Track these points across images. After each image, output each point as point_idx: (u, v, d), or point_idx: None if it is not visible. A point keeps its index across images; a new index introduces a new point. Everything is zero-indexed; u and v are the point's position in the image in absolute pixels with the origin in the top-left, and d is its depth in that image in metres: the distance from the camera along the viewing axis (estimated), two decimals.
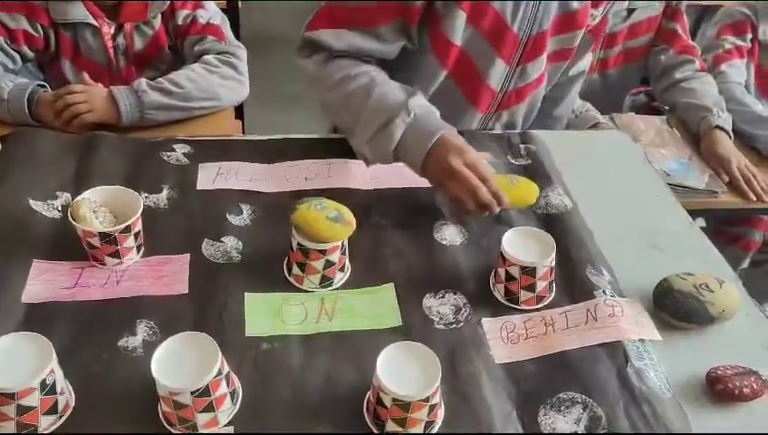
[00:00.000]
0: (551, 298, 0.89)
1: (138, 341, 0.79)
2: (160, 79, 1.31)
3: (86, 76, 1.30)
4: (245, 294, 0.86)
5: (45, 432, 0.69)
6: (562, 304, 0.88)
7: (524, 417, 0.74)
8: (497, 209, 0.92)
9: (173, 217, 0.98)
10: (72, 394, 0.72)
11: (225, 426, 0.71)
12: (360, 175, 1.09)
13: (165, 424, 0.70)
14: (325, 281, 0.88)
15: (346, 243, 0.89)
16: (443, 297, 0.88)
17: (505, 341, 0.83)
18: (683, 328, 0.86)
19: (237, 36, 1.51)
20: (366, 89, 1.00)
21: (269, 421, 0.72)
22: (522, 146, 1.18)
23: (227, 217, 0.98)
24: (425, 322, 0.85)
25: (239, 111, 1.49)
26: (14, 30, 1.31)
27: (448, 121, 0.98)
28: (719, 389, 0.77)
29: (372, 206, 1.02)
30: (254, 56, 1.48)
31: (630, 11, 1.72)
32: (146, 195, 1.00)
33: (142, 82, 1.28)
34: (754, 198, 1.50)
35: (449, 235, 0.99)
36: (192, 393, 0.66)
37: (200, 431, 0.69)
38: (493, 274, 0.91)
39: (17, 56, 1.34)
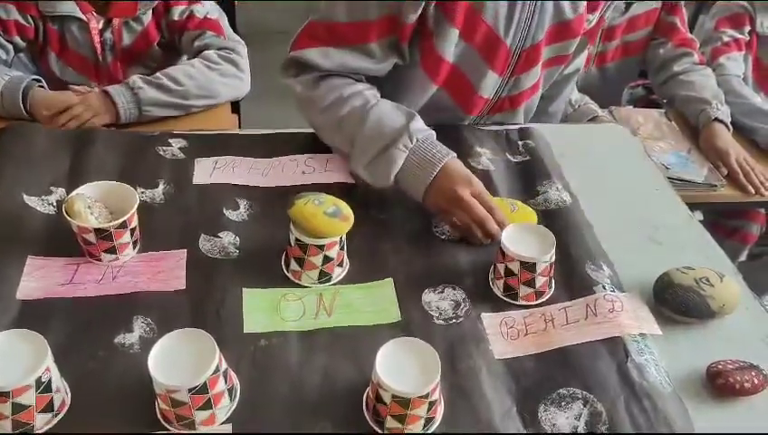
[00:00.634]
0: (550, 294, 0.89)
1: (134, 337, 0.78)
2: (158, 74, 1.29)
3: (77, 88, 1.28)
4: (243, 289, 0.85)
5: (41, 431, 0.68)
6: (562, 300, 0.88)
7: (525, 413, 0.74)
8: (498, 238, 0.90)
9: (169, 213, 0.97)
10: (68, 392, 0.71)
11: (222, 423, 0.70)
12: None
13: (162, 422, 0.70)
14: (323, 277, 0.87)
15: (344, 238, 0.88)
16: (442, 292, 0.88)
17: (505, 336, 0.83)
18: (683, 323, 0.85)
19: (234, 31, 1.50)
20: (360, 111, 0.98)
21: (267, 419, 0.71)
22: (520, 142, 1.17)
23: (224, 211, 0.98)
24: (424, 317, 0.85)
25: (236, 106, 1.48)
26: (6, 20, 1.30)
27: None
28: (720, 383, 0.77)
29: (371, 201, 1.01)
30: (250, 50, 1.46)
31: (629, 4, 1.71)
32: (142, 190, 0.99)
33: (137, 79, 1.26)
34: (753, 192, 1.50)
35: (448, 229, 0.98)
36: (189, 391, 0.66)
37: (198, 429, 0.69)
38: (492, 269, 0.90)
39: (10, 47, 1.33)
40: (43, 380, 0.66)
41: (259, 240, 0.93)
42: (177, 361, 0.67)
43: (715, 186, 1.49)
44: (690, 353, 0.82)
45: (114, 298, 0.83)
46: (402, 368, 0.69)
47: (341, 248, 0.88)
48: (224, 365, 0.70)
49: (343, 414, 0.72)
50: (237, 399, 0.72)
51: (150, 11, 1.39)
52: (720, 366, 0.78)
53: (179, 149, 1.09)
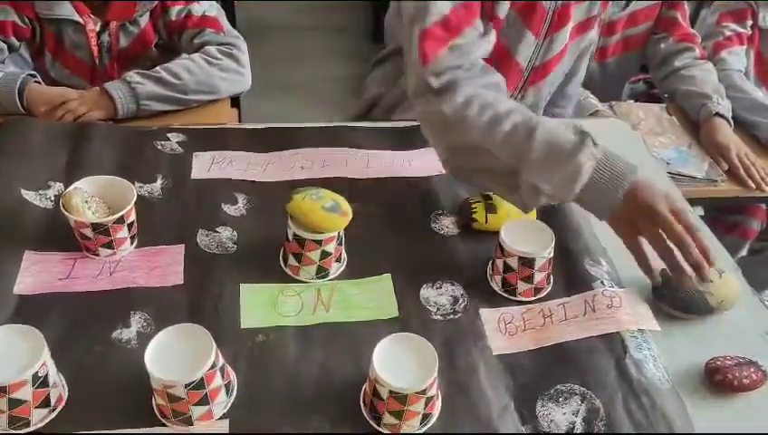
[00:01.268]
0: (549, 289, 0.88)
1: (132, 333, 0.78)
2: (157, 68, 1.29)
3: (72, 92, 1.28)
4: (241, 285, 0.85)
5: (38, 426, 0.68)
6: (561, 296, 0.88)
7: (522, 409, 0.74)
8: (707, 273, 0.79)
9: (167, 207, 0.97)
10: (65, 387, 0.71)
11: (220, 419, 0.70)
12: (357, 164, 1.08)
13: (159, 417, 0.69)
14: (321, 272, 0.87)
15: (342, 233, 0.88)
16: (440, 288, 0.88)
17: (503, 332, 0.83)
18: (682, 319, 0.85)
19: (234, 26, 1.49)
20: (526, 126, 0.87)
21: (265, 414, 0.71)
22: None
23: (222, 206, 0.97)
24: (422, 312, 0.84)
25: (235, 101, 1.47)
26: (3, 21, 1.30)
27: None
28: (718, 379, 0.77)
29: (369, 195, 1.01)
30: (249, 46, 1.46)
31: None
32: (139, 184, 0.99)
33: (134, 74, 1.26)
34: (754, 187, 1.49)
35: (446, 225, 0.98)
36: (186, 386, 0.66)
37: (195, 425, 0.69)
38: (490, 264, 0.90)
39: (5, 46, 1.33)
40: (39, 375, 0.66)
41: (257, 235, 0.93)
42: (174, 356, 0.67)
43: (716, 181, 1.48)
44: (689, 349, 0.82)
45: (111, 293, 0.83)
46: (400, 364, 0.68)
47: (339, 244, 0.88)
48: (221, 361, 0.70)
49: (341, 410, 0.72)
50: (234, 394, 0.72)
51: (147, 13, 1.39)
52: (719, 362, 0.78)
53: (177, 143, 1.09)
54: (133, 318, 0.80)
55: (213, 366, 0.67)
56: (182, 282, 0.85)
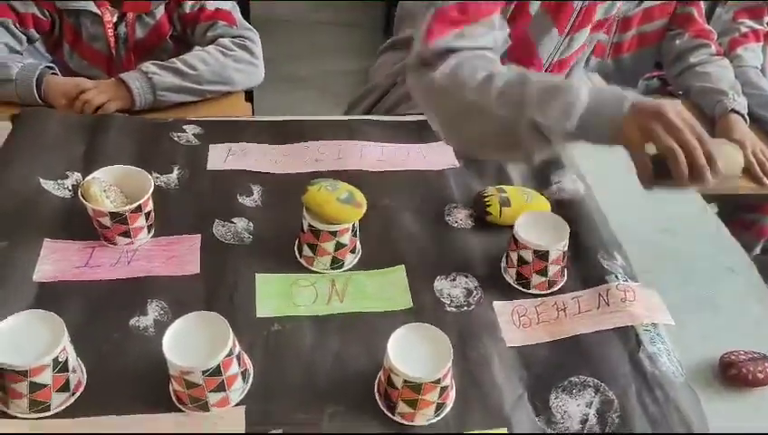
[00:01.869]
0: (562, 283, 0.89)
1: (149, 320, 0.79)
2: (173, 60, 1.30)
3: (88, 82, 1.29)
4: (256, 274, 0.86)
5: (57, 410, 0.69)
6: (575, 289, 0.88)
7: (536, 400, 0.74)
8: (710, 179, 0.78)
9: (184, 198, 0.98)
10: (84, 373, 0.72)
11: (236, 405, 0.71)
12: (371, 157, 1.08)
13: (176, 403, 0.70)
14: (336, 263, 0.88)
15: (357, 225, 0.88)
16: (454, 280, 0.88)
17: (517, 325, 0.83)
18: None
19: (247, 20, 1.50)
20: (520, 77, 0.90)
21: (280, 402, 0.72)
22: None
23: (238, 197, 0.98)
24: (436, 304, 0.85)
25: (249, 95, 1.48)
26: (24, 13, 1.32)
27: None
28: (732, 374, 0.77)
29: (383, 188, 1.01)
30: (262, 40, 1.46)
31: None
32: (156, 175, 1.00)
33: (151, 65, 1.27)
34: None
35: (460, 217, 0.98)
36: (203, 372, 0.66)
37: (211, 411, 0.69)
38: (504, 257, 0.90)
39: (24, 38, 1.35)
40: (59, 359, 0.67)
41: (272, 226, 0.94)
42: (191, 343, 0.68)
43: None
44: (702, 343, 0.82)
45: (129, 281, 0.84)
46: (414, 353, 0.69)
47: (354, 235, 0.88)
48: (237, 348, 0.71)
49: (355, 398, 0.73)
50: (251, 382, 0.73)
51: (163, 5, 1.40)
52: (733, 356, 0.78)
53: (194, 135, 1.10)
54: (150, 306, 0.81)
55: (230, 353, 0.68)
56: (198, 271, 0.86)
